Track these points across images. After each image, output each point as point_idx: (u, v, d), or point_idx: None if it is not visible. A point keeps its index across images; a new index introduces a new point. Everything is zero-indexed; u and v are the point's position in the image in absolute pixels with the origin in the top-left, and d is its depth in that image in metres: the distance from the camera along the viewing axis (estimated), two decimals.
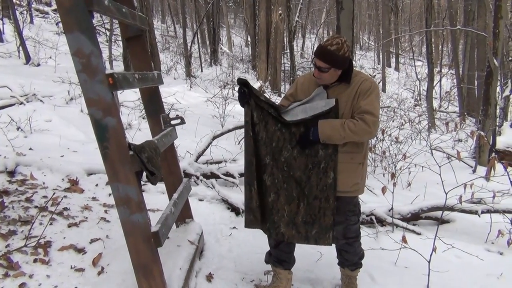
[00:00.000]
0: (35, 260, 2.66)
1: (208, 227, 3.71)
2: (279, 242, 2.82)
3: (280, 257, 2.86)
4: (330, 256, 3.19)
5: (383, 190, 4.10)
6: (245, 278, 3.07)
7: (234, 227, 3.89)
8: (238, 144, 6.49)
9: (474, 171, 6.91)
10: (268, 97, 3.00)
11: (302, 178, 2.67)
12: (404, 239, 3.53)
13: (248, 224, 2.80)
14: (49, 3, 18.44)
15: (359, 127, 2.51)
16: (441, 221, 4.22)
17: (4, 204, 3.29)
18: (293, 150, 2.68)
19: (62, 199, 3.59)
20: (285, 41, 17.55)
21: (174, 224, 3.22)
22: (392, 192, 4.14)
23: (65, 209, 3.45)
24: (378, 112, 2.58)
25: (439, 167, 3.43)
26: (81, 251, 2.87)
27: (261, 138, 2.69)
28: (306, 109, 2.66)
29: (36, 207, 3.37)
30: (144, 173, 2.25)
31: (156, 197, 4.11)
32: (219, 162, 5.26)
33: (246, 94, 2.65)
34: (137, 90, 3.30)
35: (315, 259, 3.39)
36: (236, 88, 11.70)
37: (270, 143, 2.69)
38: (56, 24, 15.60)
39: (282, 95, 10.60)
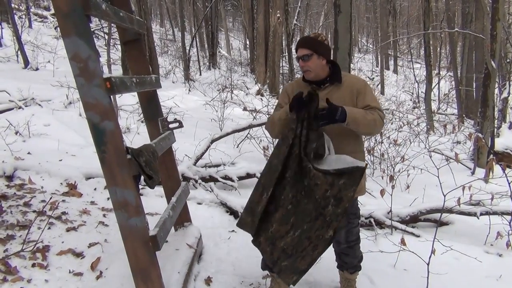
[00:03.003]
0: (33, 265, 2.66)
1: (206, 230, 3.70)
2: None
3: None
4: (329, 260, 3.18)
5: (382, 192, 4.10)
6: (244, 281, 3.06)
7: (233, 231, 3.88)
8: (237, 147, 6.49)
9: (473, 173, 6.91)
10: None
11: (310, 211, 2.49)
12: (403, 242, 3.53)
13: (241, 225, 2.71)
14: (48, 8, 18.45)
15: (377, 117, 2.55)
16: (440, 223, 4.21)
17: (2, 208, 3.29)
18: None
19: (60, 203, 3.59)
20: (283, 44, 17.58)
21: (173, 227, 3.22)
22: (391, 195, 4.15)
23: (64, 213, 3.44)
24: None
25: (437, 169, 3.43)
26: (79, 255, 2.87)
27: (293, 152, 2.52)
28: (331, 162, 2.49)
29: (34, 211, 3.36)
30: (142, 177, 2.25)
31: (154, 201, 4.11)
32: (217, 166, 5.26)
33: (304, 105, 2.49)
34: (136, 94, 3.30)
35: None
36: (236, 92, 11.68)
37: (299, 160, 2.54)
38: (55, 28, 15.62)
39: None
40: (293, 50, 17.74)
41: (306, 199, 2.50)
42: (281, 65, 16.36)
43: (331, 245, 2.91)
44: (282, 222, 2.54)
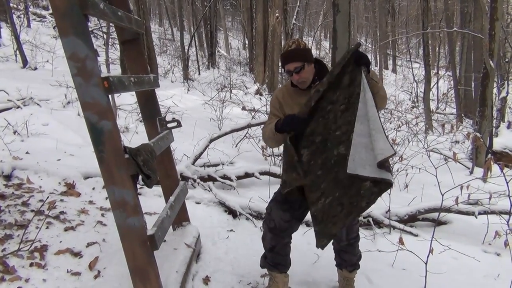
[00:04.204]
0: (31, 264, 2.65)
1: (205, 230, 3.70)
2: (275, 245, 2.81)
3: (275, 260, 2.85)
4: (327, 259, 3.19)
5: None
6: (242, 281, 3.07)
7: (231, 230, 3.89)
8: (236, 146, 6.49)
9: (471, 172, 6.93)
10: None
11: (341, 179, 2.52)
12: (401, 241, 3.54)
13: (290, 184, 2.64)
14: (47, 7, 18.43)
15: (381, 86, 2.60)
16: (438, 223, 4.22)
17: (0, 208, 3.28)
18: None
19: (58, 203, 3.59)
20: (282, 44, 17.56)
21: (171, 227, 3.23)
22: (389, 194, 4.14)
23: (62, 212, 3.44)
24: None
25: (436, 168, 3.43)
26: (77, 255, 2.87)
27: (322, 117, 2.53)
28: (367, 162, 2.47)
29: (32, 211, 3.36)
30: (140, 176, 2.25)
31: (152, 200, 4.11)
32: (216, 165, 5.26)
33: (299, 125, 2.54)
34: (134, 93, 3.30)
35: (312, 261, 3.39)
36: (235, 91, 11.68)
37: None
38: (54, 27, 15.59)
39: None
40: None
41: (336, 167, 2.51)
42: (280, 64, 16.34)
43: (331, 242, 2.93)
44: (313, 189, 2.56)
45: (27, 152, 4.88)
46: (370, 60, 2.45)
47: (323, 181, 2.53)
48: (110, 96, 2.11)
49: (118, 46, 13.57)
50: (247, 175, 5.04)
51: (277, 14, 14.70)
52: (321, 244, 2.63)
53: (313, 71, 2.64)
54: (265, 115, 7.70)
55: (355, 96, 2.44)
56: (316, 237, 2.64)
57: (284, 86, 2.82)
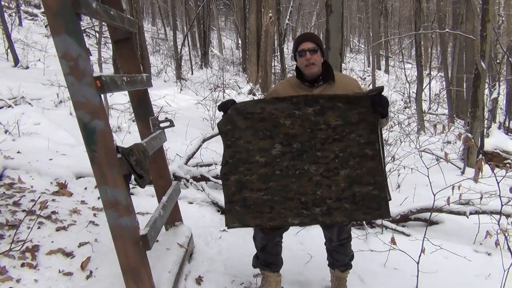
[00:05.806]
0: (22, 265, 2.64)
1: (198, 230, 3.70)
2: (265, 244, 2.82)
3: (267, 260, 2.86)
4: (320, 258, 3.20)
5: None
6: (235, 281, 3.07)
7: (224, 230, 3.88)
8: None
9: (462, 172, 6.96)
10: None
11: (289, 190, 2.57)
12: (393, 241, 3.55)
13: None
14: (38, 6, 18.26)
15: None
16: (430, 223, 4.24)
17: None
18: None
19: (50, 203, 3.56)
20: (275, 44, 17.57)
21: (164, 227, 3.22)
22: None
23: (54, 212, 3.42)
24: None
25: (428, 168, 3.45)
26: (69, 255, 2.85)
27: (313, 135, 2.55)
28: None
29: (24, 211, 3.34)
30: (133, 176, 2.24)
31: (145, 200, 4.10)
32: (209, 165, 5.25)
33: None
34: (127, 92, 3.29)
35: (305, 261, 3.39)
36: (228, 91, 11.67)
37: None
38: (45, 26, 15.45)
39: None
40: (285, 50, 17.85)
41: (295, 178, 2.54)
42: (273, 64, 16.35)
43: (324, 242, 2.94)
44: (262, 179, 2.57)
45: (18, 152, 4.85)
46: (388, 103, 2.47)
47: (275, 181, 2.56)
48: (102, 95, 2.11)
49: (110, 45, 13.52)
50: None
51: (270, 14, 14.70)
52: (232, 226, 2.65)
53: (321, 64, 2.65)
54: None
55: (356, 138, 2.49)
56: (229, 215, 2.64)
57: (287, 80, 2.83)
